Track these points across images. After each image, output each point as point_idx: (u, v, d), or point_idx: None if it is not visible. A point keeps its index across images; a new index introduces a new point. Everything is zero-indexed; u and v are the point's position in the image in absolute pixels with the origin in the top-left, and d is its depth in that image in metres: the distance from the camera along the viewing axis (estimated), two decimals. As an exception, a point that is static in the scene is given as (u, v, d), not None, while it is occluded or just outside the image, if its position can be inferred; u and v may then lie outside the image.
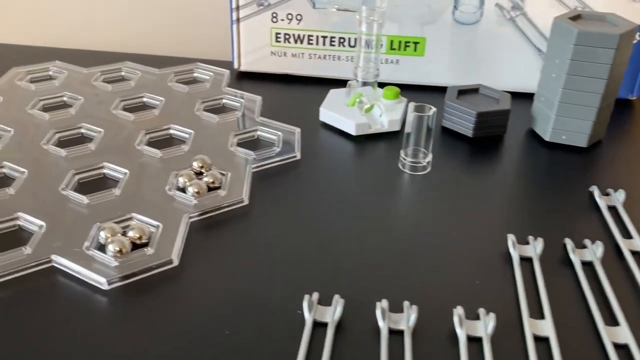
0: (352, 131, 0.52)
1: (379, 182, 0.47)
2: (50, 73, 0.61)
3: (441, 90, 0.61)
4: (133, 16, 0.73)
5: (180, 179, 0.43)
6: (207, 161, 0.45)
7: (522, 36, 0.58)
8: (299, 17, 0.60)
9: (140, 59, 0.65)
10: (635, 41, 0.56)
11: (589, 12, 0.51)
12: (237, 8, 0.61)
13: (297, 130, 0.51)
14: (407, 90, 0.61)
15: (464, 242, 0.40)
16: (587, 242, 0.39)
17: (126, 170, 0.44)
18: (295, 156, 0.48)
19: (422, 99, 0.59)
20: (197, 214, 0.41)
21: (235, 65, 0.64)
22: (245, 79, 0.64)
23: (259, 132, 0.52)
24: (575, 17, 0.49)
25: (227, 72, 0.62)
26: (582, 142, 0.51)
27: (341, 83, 0.61)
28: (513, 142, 0.53)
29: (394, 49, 0.60)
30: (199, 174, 0.44)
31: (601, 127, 0.51)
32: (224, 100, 0.57)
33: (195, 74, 0.62)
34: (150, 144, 0.49)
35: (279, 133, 0.51)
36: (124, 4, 0.72)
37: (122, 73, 0.62)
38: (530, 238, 0.39)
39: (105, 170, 0.45)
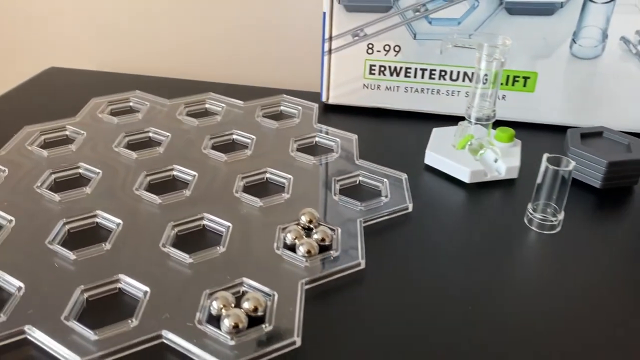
0: (466, 178, 0.47)
1: (501, 240, 0.41)
2: (131, 104, 0.58)
3: (549, 129, 0.56)
4: (210, 41, 0.70)
5: (289, 236, 0.39)
6: (315, 215, 0.40)
7: (648, 72, 0.52)
8: (397, 49, 0.56)
9: (220, 89, 0.61)
10: None
11: None
12: (330, 39, 0.57)
13: (404, 176, 0.47)
14: (512, 127, 0.55)
15: (604, 321, 0.35)
16: None
17: (228, 224, 0.41)
18: (406, 207, 0.44)
19: (530, 138, 0.54)
20: (310, 279, 0.36)
21: (324, 98, 0.60)
22: (334, 112, 0.59)
23: (361, 178, 0.47)
24: None
25: (316, 105, 0.58)
26: None
27: (440, 119, 0.57)
28: (646, 195, 0.47)
29: (501, 84, 0.55)
30: (307, 229, 0.40)
31: None
32: (316, 139, 0.53)
33: (281, 107, 0.59)
34: (248, 189, 0.45)
35: (384, 180, 0.46)
36: (198, 26, 0.69)
37: (206, 105, 0.59)
38: None
39: (204, 222, 0.41)
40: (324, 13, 0.56)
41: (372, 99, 0.59)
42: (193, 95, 0.60)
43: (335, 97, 0.59)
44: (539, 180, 0.41)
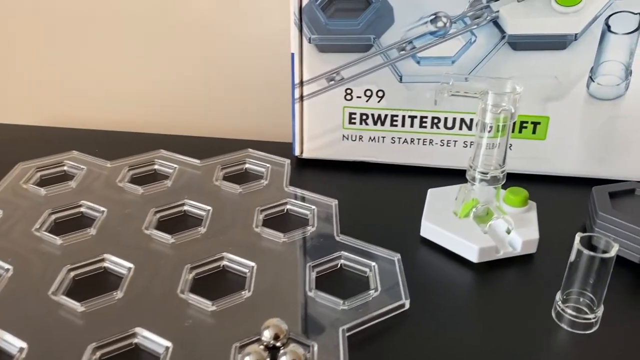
0: (474, 257, 0.38)
1: (523, 343, 0.32)
2: (65, 169, 0.48)
3: (565, 182, 0.47)
4: (163, 87, 0.61)
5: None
6: (283, 328, 0.31)
7: (681, 114, 0.44)
8: (380, 94, 0.47)
9: (174, 143, 0.52)
10: None
11: None
12: (301, 84, 0.48)
13: (397, 257, 0.38)
14: (520, 181, 0.46)
15: None
16: None
17: (166, 344, 0.31)
18: (402, 305, 0.34)
19: (544, 196, 0.45)
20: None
21: (297, 152, 0.50)
22: (309, 168, 0.50)
23: (343, 261, 0.38)
24: None
25: (287, 162, 0.49)
26: None
27: (434, 173, 0.48)
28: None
29: (505, 131, 0.47)
30: (272, 348, 0.31)
31: None
32: (288, 206, 0.44)
33: (246, 165, 0.49)
34: (198, 285, 0.36)
35: (372, 264, 0.37)
36: (149, 70, 0.60)
37: (155, 167, 0.49)
38: None
39: (136, 340, 0.32)
40: (292, 54, 0.47)
41: (354, 152, 0.49)
42: (141, 154, 0.50)
43: (310, 151, 0.50)
44: (570, 262, 0.32)
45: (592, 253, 0.31)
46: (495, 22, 0.43)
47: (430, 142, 0.48)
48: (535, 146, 0.47)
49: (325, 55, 0.46)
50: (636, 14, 0.41)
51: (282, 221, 0.43)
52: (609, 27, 0.42)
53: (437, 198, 0.43)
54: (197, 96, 0.60)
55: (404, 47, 0.45)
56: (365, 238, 0.40)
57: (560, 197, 0.45)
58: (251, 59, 0.57)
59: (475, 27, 0.43)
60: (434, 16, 0.44)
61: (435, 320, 0.34)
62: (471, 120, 0.46)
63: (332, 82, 0.47)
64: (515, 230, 0.38)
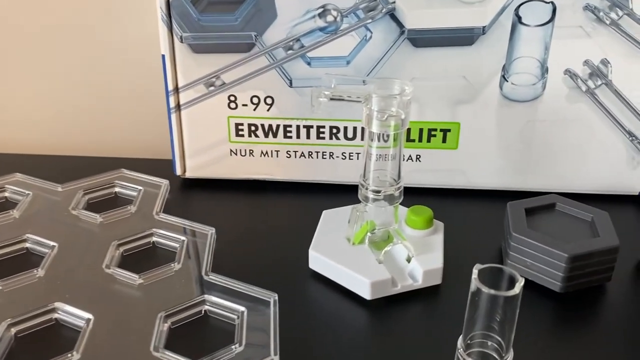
0: (366, 294, 0.32)
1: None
2: None
3: (481, 195, 0.41)
4: (13, 103, 0.52)
5: None
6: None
7: (605, 115, 0.39)
8: (269, 101, 0.40)
9: (33, 165, 0.44)
10: None
11: None
12: (176, 90, 0.41)
13: (273, 297, 0.31)
14: (432, 196, 0.41)
15: None
16: None
17: None
18: (270, 361, 0.28)
19: (457, 213, 0.39)
20: None
21: (178, 171, 0.43)
22: (194, 189, 0.43)
23: (207, 307, 0.31)
24: None
25: (164, 183, 0.42)
26: None
27: (336, 190, 0.41)
28: (622, 297, 0.32)
29: (412, 141, 0.41)
30: None
31: None
32: (154, 238, 0.36)
33: (116, 189, 0.42)
34: (22, 342, 0.28)
35: (242, 309, 0.30)
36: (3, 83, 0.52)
37: (6, 194, 0.41)
38: None
39: None
40: (163, 56, 0.40)
41: (244, 168, 0.43)
42: (-9, 178, 0.42)
43: (193, 169, 0.43)
44: (469, 303, 0.26)
45: (491, 291, 0.25)
46: (393, 16, 0.37)
47: (331, 155, 0.42)
48: (446, 157, 0.41)
49: (201, 57, 0.39)
50: (548, 2, 0.36)
51: (144, 257, 0.35)
52: (519, 18, 0.37)
53: (331, 221, 0.36)
54: (61, 110, 0.52)
55: (291, 45, 0.39)
56: (244, 274, 0.33)
57: (477, 215, 0.40)
58: (121, 65, 0.49)
59: (369, 21, 0.38)
60: (322, 9, 0.37)
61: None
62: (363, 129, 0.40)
63: (212, 88, 0.40)
64: (417, 257, 0.32)
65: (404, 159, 0.41)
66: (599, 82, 0.38)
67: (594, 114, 0.39)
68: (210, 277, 0.32)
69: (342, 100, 0.31)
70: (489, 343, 0.27)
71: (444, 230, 0.35)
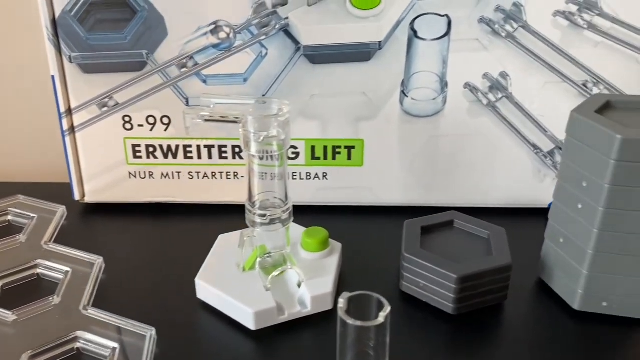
0: (251, 324, 0.30)
1: None
2: None
3: (390, 213, 0.40)
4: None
5: None
6: None
7: (507, 128, 0.38)
8: (165, 121, 0.39)
9: None
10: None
11: (623, 97, 0.31)
12: (69, 112, 0.39)
13: (150, 332, 0.29)
14: (341, 214, 0.40)
15: None
16: None
17: None
18: (136, 402, 0.26)
19: (363, 232, 0.38)
20: None
21: (77, 196, 0.41)
22: (94, 213, 0.41)
23: (79, 344, 0.29)
24: (604, 108, 0.30)
25: (61, 209, 0.40)
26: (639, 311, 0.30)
27: (241, 212, 0.40)
28: (519, 314, 0.31)
29: (318, 159, 0.40)
30: None
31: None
32: (38, 270, 0.34)
33: (9, 217, 0.40)
34: None
35: (115, 345, 0.28)
36: None
37: None
38: None
39: None
40: (53, 77, 0.38)
41: (145, 191, 0.41)
42: None
43: (92, 194, 0.41)
44: (339, 332, 0.25)
45: (357, 323, 0.23)
46: (287, 32, 0.36)
47: (235, 175, 0.40)
48: (353, 174, 0.40)
49: (92, 77, 0.38)
50: (443, 15, 0.36)
51: (26, 291, 0.33)
52: (415, 32, 0.36)
53: (226, 246, 0.35)
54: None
55: (184, 63, 0.37)
56: (128, 306, 0.31)
57: (382, 233, 0.38)
58: (12, 88, 0.47)
59: (263, 37, 0.36)
60: (213, 26, 0.36)
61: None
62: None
63: (106, 109, 0.39)
64: (307, 282, 0.31)
65: (309, 178, 0.40)
66: (500, 95, 0.37)
67: (497, 128, 0.38)
68: (89, 311, 0.31)
69: (218, 121, 0.29)
70: (370, 373, 0.26)
71: (341, 251, 0.34)
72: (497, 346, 0.30)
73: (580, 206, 0.29)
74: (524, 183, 0.39)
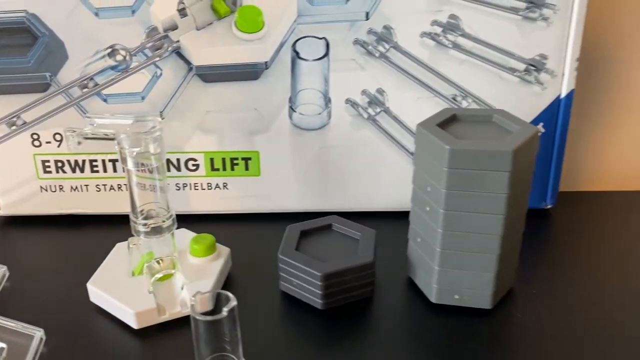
0: (133, 323, 0.33)
1: None
2: None
3: (290, 218, 0.43)
4: None
5: None
6: None
7: (387, 139, 0.42)
8: (71, 137, 0.42)
9: None
10: (539, 133, 0.41)
11: (469, 111, 0.35)
12: (-21, 130, 0.41)
13: (38, 333, 0.32)
14: (242, 221, 0.43)
15: None
16: None
17: None
18: (14, 396, 0.28)
19: (260, 236, 0.41)
20: None
21: (-8, 209, 0.44)
22: (10, 226, 0.44)
23: (-29, 346, 0.32)
24: (449, 121, 0.34)
25: (-26, 222, 0.42)
26: (483, 302, 0.34)
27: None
28: (385, 307, 0.35)
29: (217, 170, 0.43)
30: None
31: (508, 275, 0.34)
32: (-55, 280, 0.37)
33: None
34: None
35: (2, 345, 0.31)
36: None
37: None
38: None
39: None
40: (-39, 98, 0.41)
41: (56, 204, 0.43)
42: None
43: (7, 207, 0.44)
44: (193, 328, 0.28)
45: (200, 317, 0.26)
46: (179, 53, 0.39)
47: (143, 187, 0.43)
48: (252, 183, 0.43)
49: (0, 98, 0.40)
50: (321, 38, 0.39)
51: None
52: (297, 53, 0.40)
53: (121, 253, 0.37)
54: None
55: (85, 84, 0.40)
56: (25, 311, 0.34)
57: (277, 238, 0.41)
58: None
59: (157, 59, 0.39)
60: (110, 49, 0.39)
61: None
62: (178, 160, 0.42)
63: (14, 127, 0.41)
64: (189, 285, 0.34)
65: (210, 188, 0.43)
66: (378, 110, 0.41)
67: (378, 139, 0.42)
68: (-14, 316, 0.33)
69: (99, 139, 0.32)
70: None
71: (229, 256, 0.37)
72: (362, 338, 0.33)
73: (428, 209, 0.33)
74: (405, 188, 0.43)
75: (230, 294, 0.27)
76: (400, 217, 0.43)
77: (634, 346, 0.32)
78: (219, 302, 0.28)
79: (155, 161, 0.32)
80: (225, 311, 0.26)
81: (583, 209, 0.45)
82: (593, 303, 0.35)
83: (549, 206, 0.44)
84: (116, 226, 0.43)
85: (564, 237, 0.42)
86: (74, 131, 0.32)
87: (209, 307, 0.34)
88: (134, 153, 0.31)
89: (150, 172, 0.33)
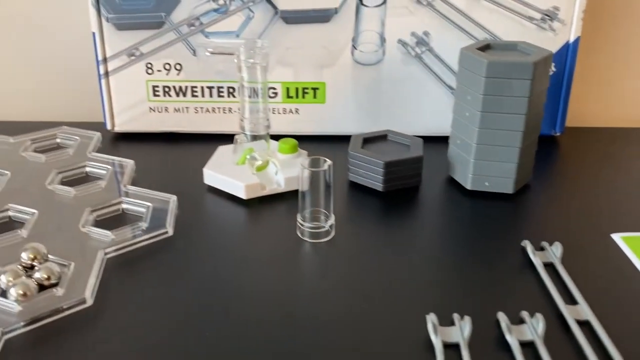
0: (242, 194, 0.43)
1: (275, 255, 0.38)
2: None
3: (347, 140, 0.54)
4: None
5: (2, 278, 0.33)
6: (41, 251, 0.34)
7: (430, 74, 0.52)
8: (178, 67, 0.52)
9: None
10: (551, 72, 0.51)
11: (499, 42, 0.45)
12: (105, 60, 0.52)
13: (173, 198, 0.42)
14: (311, 141, 0.53)
15: (375, 328, 0.32)
16: (524, 315, 0.31)
17: None
18: (165, 232, 0.39)
19: (327, 151, 0.51)
20: (21, 324, 0.30)
21: (109, 126, 0.54)
22: (122, 140, 0.54)
23: (124, 205, 0.42)
24: (484, 48, 0.44)
25: (97, 134, 0.53)
26: (507, 188, 0.44)
27: (231, 140, 0.53)
28: (430, 194, 0.45)
29: (291, 97, 0.53)
30: (29, 269, 0.34)
31: (527, 169, 0.45)
32: (87, 169, 0.47)
33: (58, 140, 0.52)
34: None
35: (149, 204, 0.41)
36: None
37: (-33, 144, 0.51)
38: (456, 317, 0.31)
39: None
40: (93, 33, 0.51)
41: (161, 123, 0.54)
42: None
43: (121, 125, 0.54)
44: (301, 187, 0.38)
45: (310, 169, 0.37)
46: (269, 0, 0.50)
47: (230, 110, 0.54)
48: (318, 109, 0.53)
49: (124, 33, 0.51)
50: (381, -11, 0.49)
51: (80, 180, 0.46)
52: (361, 1, 0.50)
53: (224, 152, 0.48)
54: (5, 85, 0.62)
55: (192, 23, 0.50)
56: (154, 189, 0.44)
57: (340, 152, 0.51)
58: (54, 46, 0.60)
59: (251, 4, 0.50)
60: (215, -5, 0.50)
61: (196, 244, 0.39)
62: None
63: (133, 58, 0.52)
64: (282, 170, 0.44)
65: (285, 112, 0.53)
66: (424, 49, 0.51)
67: (423, 74, 0.52)
68: (129, 188, 0.44)
69: (218, 53, 0.43)
70: (322, 217, 0.39)
71: (307, 156, 0.48)
72: (412, 215, 0.43)
73: (467, 114, 0.43)
74: (444, 116, 0.53)
75: (327, 159, 0.37)
76: (438, 141, 0.53)
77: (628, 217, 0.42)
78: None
79: (260, 73, 0.43)
80: (326, 165, 0.37)
81: (586, 138, 0.55)
82: (592, 197, 0.45)
83: (557, 133, 0.54)
84: (208, 142, 0.54)
85: (570, 158, 0.52)
86: (206, 47, 0.42)
87: (296, 187, 0.44)
88: (251, 63, 0.41)
89: (257, 95, 0.43)
